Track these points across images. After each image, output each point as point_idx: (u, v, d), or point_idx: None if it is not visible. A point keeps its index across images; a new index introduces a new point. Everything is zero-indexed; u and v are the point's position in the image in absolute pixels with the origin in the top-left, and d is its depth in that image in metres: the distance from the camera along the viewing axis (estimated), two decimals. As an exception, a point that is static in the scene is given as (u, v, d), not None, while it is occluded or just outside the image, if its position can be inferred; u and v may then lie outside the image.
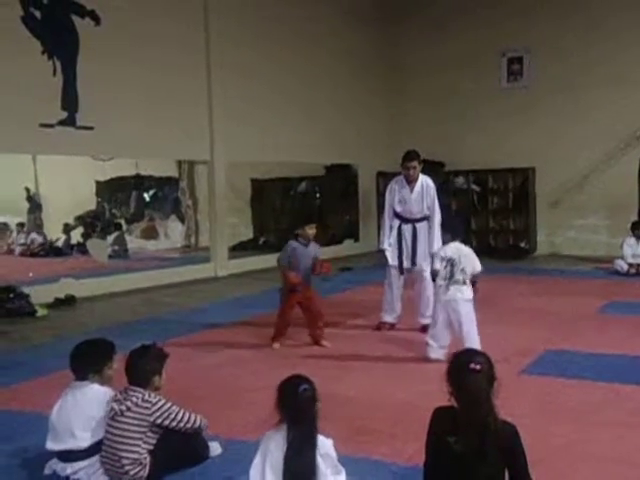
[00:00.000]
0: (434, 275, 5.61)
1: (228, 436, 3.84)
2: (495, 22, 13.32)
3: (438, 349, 5.50)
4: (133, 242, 15.27)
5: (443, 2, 13.86)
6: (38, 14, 8.63)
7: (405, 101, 14.39)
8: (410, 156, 6.59)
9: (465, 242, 5.70)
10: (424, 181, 6.68)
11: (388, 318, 6.82)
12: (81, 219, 15.65)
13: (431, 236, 6.57)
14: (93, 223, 15.57)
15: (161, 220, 16.45)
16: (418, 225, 6.67)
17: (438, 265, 5.50)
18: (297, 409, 2.72)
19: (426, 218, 6.67)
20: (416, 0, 14.15)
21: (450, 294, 5.43)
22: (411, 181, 6.63)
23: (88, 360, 3.50)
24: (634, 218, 10.89)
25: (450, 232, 5.69)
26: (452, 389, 2.62)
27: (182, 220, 16.33)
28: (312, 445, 2.71)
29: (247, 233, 15.63)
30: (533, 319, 7.13)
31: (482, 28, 13.44)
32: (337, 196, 15.04)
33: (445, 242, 5.67)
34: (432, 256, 6.07)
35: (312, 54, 12.80)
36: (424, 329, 6.29)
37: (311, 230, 6.20)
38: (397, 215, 6.76)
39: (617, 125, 12.21)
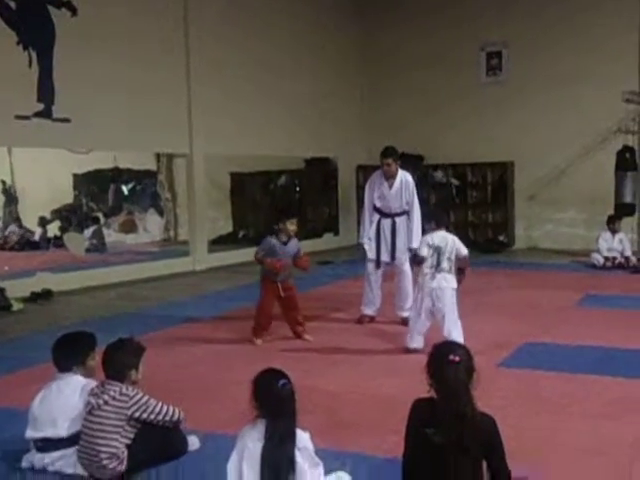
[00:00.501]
0: (419, 262, 5.60)
1: (207, 430, 3.82)
2: (474, 16, 13.35)
3: (417, 337, 5.52)
4: (111, 236, 15.13)
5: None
6: (13, 4, 8.49)
7: (384, 95, 14.39)
8: (387, 153, 6.64)
9: (448, 229, 5.73)
10: (403, 177, 6.72)
11: (368, 311, 6.85)
12: (58, 213, 15.48)
13: (410, 231, 6.62)
14: (69, 217, 15.40)
15: (140, 214, 16.30)
16: (397, 220, 6.71)
17: (425, 252, 5.50)
18: (278, 404, 2.71)
19: (405, 213, 6.71)
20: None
21: (436, 282, 5.46)
22: (389, 177, 6.66)
23: (71, 352, 3.52)
24: (610, 212, 11.01)
25: (435, 220, 5.72)
26: (431, 380, 2.63)
27: (161, 214, 16.21)
28: (292, 439, 2.70)
29: (226, 227, 15.56)
30: (511, 312, 7.19)
31: (461, 22, 13.46)
32: (317, 190, 15.03)
33: (429, 230, 5.70)
34: (410, 250, 6.12)
35: (291, 48, 12.75)
36: (404, 322, 6.34)
37: (292, 226, 6.08)
38: (377, 210, 6.80)
39: (594, 119, 12.30)
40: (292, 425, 2.72)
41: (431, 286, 5.47)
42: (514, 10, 13.02)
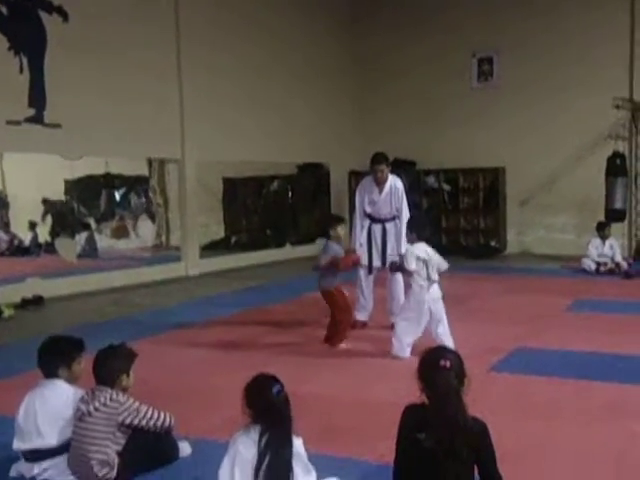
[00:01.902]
0: (407, 273, 5.60)
1: (198, 436, 3.81)
2: (465, 23, 13.42)
3: (408, 347, 5.54)
4: (103, 241, 15.08)
5: (414, 3, 13.92)
6: (4, 9, 8.48)
7: (377, 100, 14.43)
8: (378, 159, 6.65)
9: (428, 241, 5.74)
10: (393, 182, 6.74)
11: (361, 317, 6.85)
12: (48, 203, 15.30)
13: (400, 237, 6.64)
14: (62, 214, 15.29)
15: (131, 219, 16.25)
16: (388, 225, 6.74)
17: (414, 266, 5.52)
18: (273, 411, 2.70)
19: (395, 218, 6.73)
20: (387, 2, 14.18)
21: (431, 293, 5.52)
22: (380, 183, 6.68)
23: (57, 355, 3.47)
24: (601, 218, 11.07)
25: (415, 232, 5.72)
26: (422, 386, 2.64)
27: (153, 219, 16.17)
28: (290, 446, 2.70)
29: (219, 232, 15.54)
30: (503, 317, 7.21)
31: (453, 28, 13.53)
32: (309, 195, 15.04)
33: (411, 241, 5.69)
34: (401, 257, 6.12)
35: (284, 54, 12.78)
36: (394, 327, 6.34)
37: (342, 230, 6.14)
38: (367, 215, 6.82)
39: (585, 125, 12.39)
40: (289, 432, 2.71)
41: (427, 297, 5.51)
42: (505, 16, 13.10)
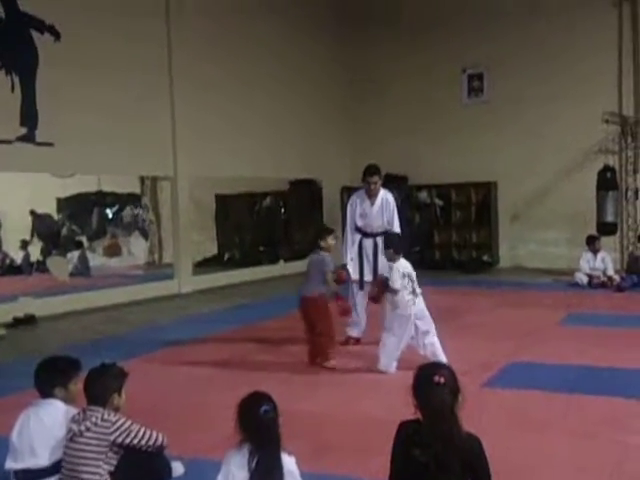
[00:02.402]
0: (392, 293, 5.60)
1: (191, 455, 3.78)
2: (455, 39, 13.54)
3: (394, 362, 5.55)
4: (96, 259, 15.04)
5: (404, 18, 14.04)
6: (-4, 29, 8.52)
7: (369, 116, 14.51)
8: (371, 171, 6.66)
9: (406, 256, 5.76)
10: (384, 196, 6.76)
11: (353, 333, 6.83)
12: (36, 217, 15.24)
13: None
14: (53, 232, 15.25)
15: (124, 237, 16.24)
16: (379, 239, 6.70)
17: (398, 284, 5.52)
18: (260, 431, 2.69)
19: (387, 232, 6.71)
20: (378, 16, 14.30)
21: (417, 307, 5.56)
22: (372, 195, 6.69)
23: (54, 374, 3.45)
24: (593, 231, 11.11)
25: (392, 248, 5.71)
26: (417, 402, 2.63)
27: (145, 237, 16.16)
28: (279, 468, 2.68)
29: (211, 249, 15.53)
30: (496, 332, 7.21)
31: (443, 45, 13.66)
32: (302, 211, 15.06)
33: (389, 259, 5.69)
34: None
35: (276, 69, 12.84)
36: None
37: (333, 241, 6.11)
38: (358, 229, 6.81)
39: (575, 140, 12.48)
40: (277, 452, 2.69)
41: (413, 311, 5.54)
42: (495, 33, 13.22)
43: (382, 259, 6.66)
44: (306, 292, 5.98)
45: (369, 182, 6.65)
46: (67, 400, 3.44)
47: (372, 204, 6.72)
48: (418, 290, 5.61)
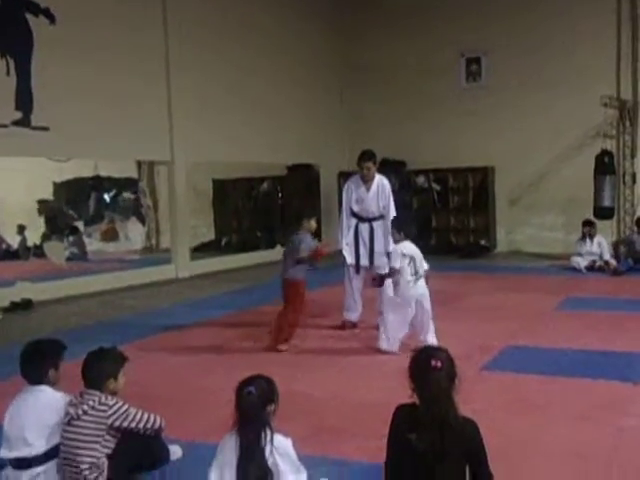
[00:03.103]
0: (393, 273, 5.62)
1: (189, 439, 3.80)
2: (453, 23, 13.46)
3: (396, 342, 5.56)
4: (93, 244, 15.01)
5: (401, 3, 13.94)
6: (-10, 12, 8.43)
7: (366, 101, 14.45)
8: (366, 156, 6.65)
9: (415, 241, 5.77)
10: (380, 180, 6.75)
11: (350, 317, 6.85)
12: (43, 203, 15.27)
13: (388, 235, 6.62)
14: (51, 217, 15.25)
15: (121, 222, 16.19)
16: (375, 224, 6.74)
17: (398, 264, 5.55)
18: (242, 412, 2.71)
19: (382, 217, 6.73)
20: (375, 1, 14.20)
21: (418, 288, 5.59)
22: (367, 180, 6.68)
23: (44, 357, 3.40)
24: (590, 216, 11.11)
25: (403, 231, 5.75)
26: (413, 385, 2.63)
27: (142, 221, 16.11)
28: (261, 449, 2.68)
29: (209, 234, 15.51)
30: (493, 316, 7.23)
31: (441, 28, 13.58)
32: (299, 196, 15.03)
33: (397, 240, 5.71)
34: (388, 255, 6.13)
35: (272, 54, 12.77)
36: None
37: (314, 225, 6.20)
38: (354, 214, 6.80)
39: (573, 124, 12.45)
40: (259, 434, 2.69)
41: (413, 293, 5.56)
42: (493, 17, 13.15)
43: (378, 243, 6.68)
44: (290, 274, 6.02)
45: (363, 167, 6.64)
46: (56, 382, 3.41)
47: (368, 189, 6.71)
48: (421, 271, 5.62)
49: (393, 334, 5.60)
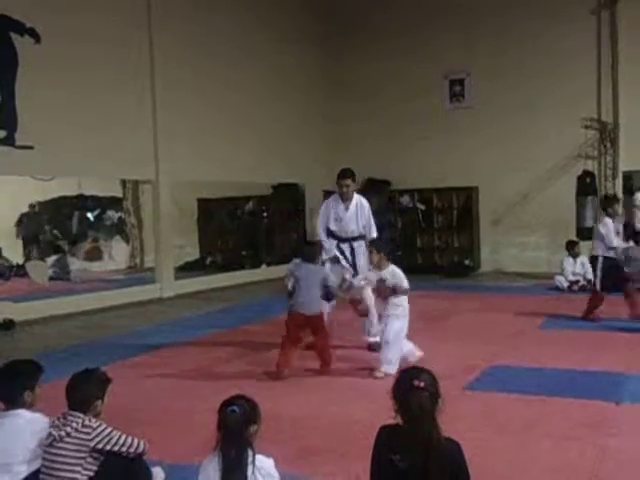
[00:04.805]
0: (403, 293, 5.68)
1: (172, 461, 3.77)
2: (437, 44, 13.64)
3: (396, 364, 5.53)
4: (76, 264, 14.91)
5: (387, 24, 14.10)
6: (-25, 31, 8.43)
7: (352, 121, 14.56)
8: (344, 174, 6.67)
9: (395, 262, 5.84)
10: (359, 200, 6.78)
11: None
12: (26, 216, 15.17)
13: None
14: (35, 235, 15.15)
15: (105, 241, 16.12)
16: (355, 244, 6.75)
17: (406, 283, 5.68)
18: (225, 431, 2.70)
19: (362, 237, 6.74)
20: (360, 22, 14.35)
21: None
22: (346, 199, 6.70)
23: (21, 379, 3.34)
24: (572, 236, 11.23)
25: (383, 251, 5.80)
26: (397, 406, 2.64)
27: (127, 241, 16.05)
28: (243, 469, 2.67)
29: (193, 253, 15.47)
30: (477, 335, 7.26)
31: (424, 49, 13.76)
32: (284, 215, 15.07)
33: (377, 262, 5.75)
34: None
35: (258, 73, 12.85)
36: (370, 347, 6.39)
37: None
38: (333, 235, 6.77)
39: (555, 145, 12.62)
40: (241, 454, 2.68)
41: (406, 312, 5.66)
42: (476, 39, 13.35)
43: (360, 263, 6.67)
44: (313, 308, 5.76)
45: (342, 185, 6.64)
46: (33, 404, 3.36)
47: (346, 208, 6.71)
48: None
49: (396, 357, 5.55)
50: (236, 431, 2.69)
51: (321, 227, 6.82)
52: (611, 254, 7.57)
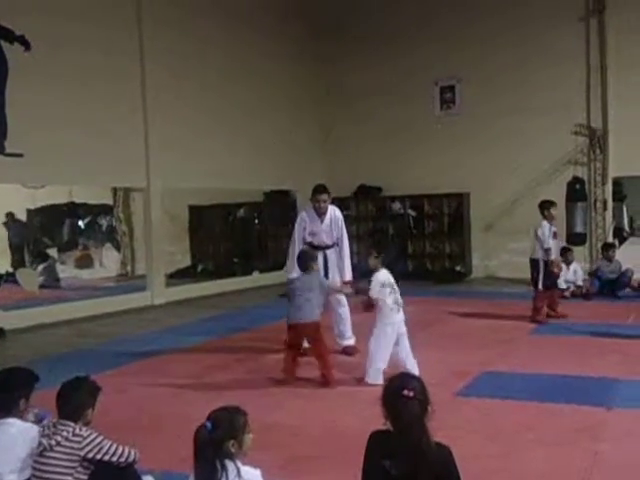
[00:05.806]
0: (370, 305, 5.63)
1: (163, 469, 3.75)
2: (427, 51, 13.68)
3: (381, 374, 5.50)
4: (67, 271, 14.85)
5: (378, 31, 14.15)
6: (-35, 39, 8.41)
7: (343, 129, 14.58)
8: (321, 190, 6.75)
9: (389, 267, 5.81)
10: (332, 212, 6.86)
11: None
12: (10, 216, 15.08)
13: (342, 264, 6.78)
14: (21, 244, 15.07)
15: (96, 248, 16.07)
16: (328, 252, 6.81)
17: (376, 292, 5.54)
18: (195, 447, 2.68)
19: (335, 245, 6.83)
20: (351, 29, 14.40)
21: (400, 316, 5.60)
22: (321, 214, 6.78)
23: (16, 387, 3.34)
24: (562, 242, 11.25)
25: (382, 258, 5.77)
26: (386, 414, 2.64)
27: (118, 248, 16.00)
28: None
29: (185, 260, 15.44)
30: (468, 341, 7.27)
31: (415, 56, 13.79)
32: (276, 222, 15.06)
33: (374, 265, 5.72)
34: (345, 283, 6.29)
35: (249, 81, 12.86)
36: (345, 351, 6.55)
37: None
38: (308, 244, 6.81)
39: (545, 151, 12.67)
40: (215, 470, 2.63)
41: (396, 320, 5.56)
42: (465, 45, 13.40)
43: (332, 271, 6.74)
44: (313, 316, 5.76)
45: (319, 200, 6.70)
46: (24, 413, 3.35)
47: (322, 222, 6.80)
48: (401, 300, 5.62)
49: (380, 366, 5.52)
50: (203, 449, 2.66)
51: (296, 245, 6.78)
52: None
